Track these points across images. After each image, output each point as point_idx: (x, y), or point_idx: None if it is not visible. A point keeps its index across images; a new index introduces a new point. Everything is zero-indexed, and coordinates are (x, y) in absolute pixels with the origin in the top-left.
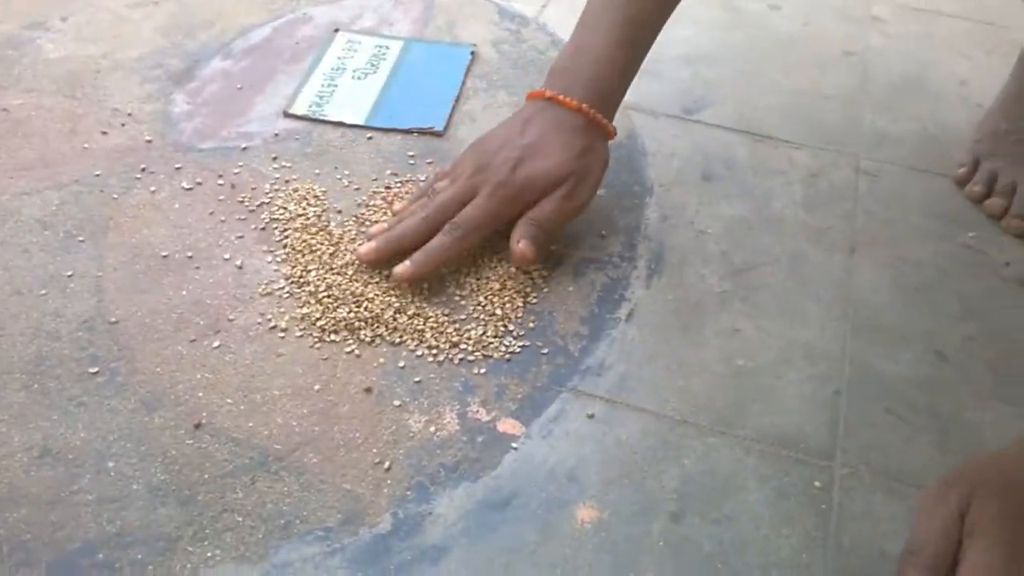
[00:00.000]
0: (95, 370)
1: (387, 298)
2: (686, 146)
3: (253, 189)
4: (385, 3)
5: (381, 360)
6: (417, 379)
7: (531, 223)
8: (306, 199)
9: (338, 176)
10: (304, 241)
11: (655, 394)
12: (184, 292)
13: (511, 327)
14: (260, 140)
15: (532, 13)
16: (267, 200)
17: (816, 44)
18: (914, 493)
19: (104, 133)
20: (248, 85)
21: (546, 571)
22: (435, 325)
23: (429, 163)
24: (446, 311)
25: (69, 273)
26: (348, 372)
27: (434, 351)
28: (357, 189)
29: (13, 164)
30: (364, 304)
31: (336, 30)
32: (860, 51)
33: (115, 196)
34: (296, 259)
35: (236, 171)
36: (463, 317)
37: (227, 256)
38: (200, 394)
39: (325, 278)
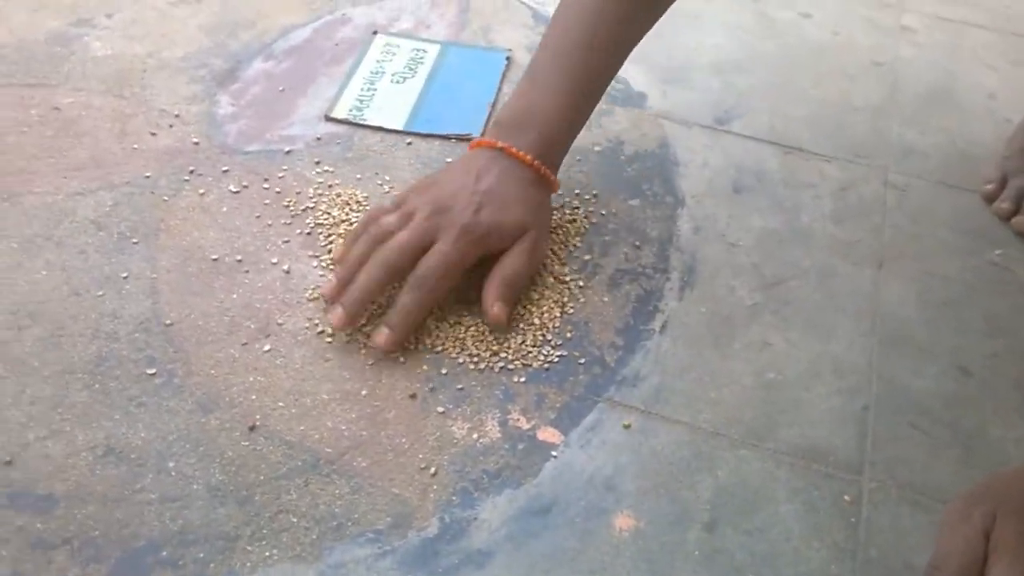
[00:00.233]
0: (153, 371)
1: None
2: (717, 157)
3: (297, 194)
4: (422, 5)
5: (424, 367)
6: (459, 386)
7: (503, 283)
8: (349, 205)
9: (379, 182)
10: None
11: (688, 406)
12: (234, 295)
13: (549, 336)
14: (303, 144)
15: None
16: (311, 205)
17: (846, 54)
18: (940, 507)
19: (153, 134)
20: (290, 87)
21: None
22: (475, 333)
23: None
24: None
25: (124, 275)
26: (393, 378)
27: (475, 359)
28: None
29: (66, 164)
30: None
31: (375, 32)
32: (889, 61)
33: (165, 198)
34: None
35: (280, 175)
36: None
37: (275, 260)
38: (253, 397)
39: None
